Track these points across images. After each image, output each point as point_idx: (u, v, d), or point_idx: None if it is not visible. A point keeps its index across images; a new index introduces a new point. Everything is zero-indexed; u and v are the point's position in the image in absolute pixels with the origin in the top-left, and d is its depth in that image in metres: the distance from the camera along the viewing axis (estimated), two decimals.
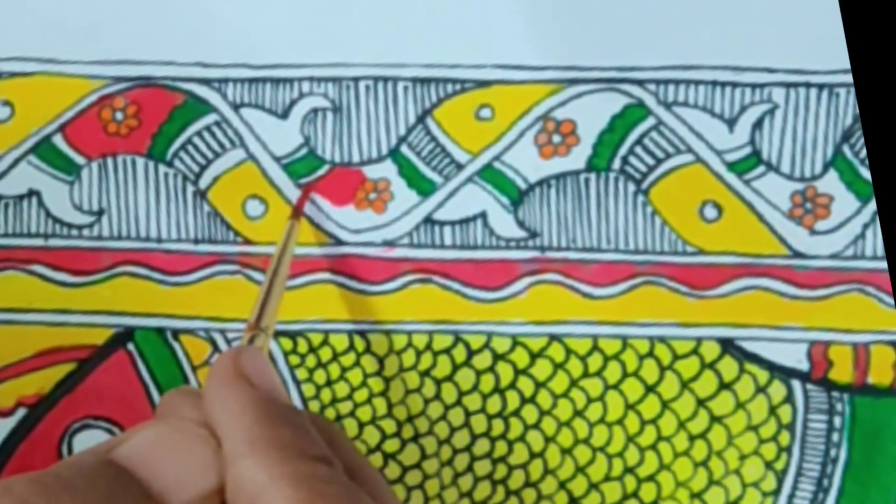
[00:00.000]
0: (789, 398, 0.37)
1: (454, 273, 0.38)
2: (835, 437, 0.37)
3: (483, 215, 0.38)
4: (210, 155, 0.38)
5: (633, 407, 0.37)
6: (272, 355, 0.38)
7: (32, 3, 0.39)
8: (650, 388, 0.37)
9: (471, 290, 0.37)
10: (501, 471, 0.37)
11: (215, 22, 0.38)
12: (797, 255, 0.37)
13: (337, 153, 0.38)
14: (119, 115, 0.38)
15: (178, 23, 0.38)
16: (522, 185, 0.38)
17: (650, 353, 0.37)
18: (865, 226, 0.37)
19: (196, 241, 0.38)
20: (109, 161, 0.38)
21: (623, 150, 0.37)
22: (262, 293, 0.34)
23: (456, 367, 0.38)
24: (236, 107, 0.38)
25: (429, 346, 0.38)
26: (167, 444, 0.27)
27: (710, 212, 0.37)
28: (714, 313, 0.37)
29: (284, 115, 0.38)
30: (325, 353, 0.38)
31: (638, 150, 0.37)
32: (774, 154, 0.37)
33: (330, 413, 0.38)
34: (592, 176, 0.37)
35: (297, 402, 0.38)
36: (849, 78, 0.37)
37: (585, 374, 0.37)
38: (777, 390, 0.37)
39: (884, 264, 0.37)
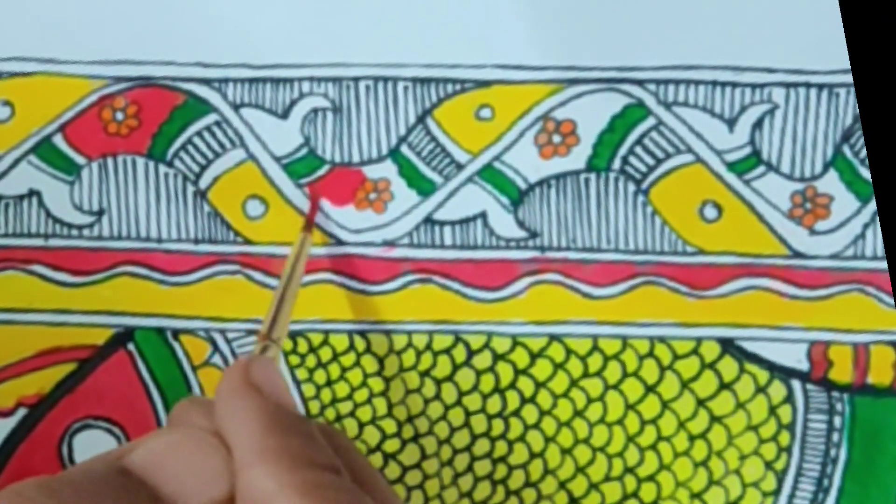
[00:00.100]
0: (789, 398, 0.37)
1: (454, 273, 0.38)
2: (835, 437, 0.37)
3: (483, 215, 0.38)
4: (210, 155, 0.38)
5: (633, 407, 0.37)
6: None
7: (32, 3, 0.39)
8: (650, 388, 0.37)
9: (471, 290, 0.37)
10: (501, 471, 0.37)
11: (215, 22, 0.38)
12: (797, 255, 0.37)
13: (337, 153, 0.38)
14: (119, 115, 0.38)
15: (178, 23, 0.38)
16: (522, 185, 0.38)
17: (650, 353, 0.37)
18: (865, 226, 0.37)
19: (196, 241, 0.38)
20: (109, 161, 0.38)
21: (623, 150, 0.37)
22: (274, 304, 0.34)
23: (456, 367, 0.38)
24: (236, 107, 0.38)
25: (429, 346, 0.38)
26: (178, 451, 0.28)
27: (710, 212, 0.37)
28: (714, 313, 0.37)
29: (284, 115, 0.38)
30: (325, 353, 0.38)
31: (638, 150, 0.37)
32: (774, 154, 0.37)
33: (330, 413, 0.38)
34: (592, 176, 0.37)
35: (297, 402, 0.38)
36: (849, 78, 0.37)
37: (585, 374, 0.37)
38: (777, 390, 0.37)
39: (884, 264, 0.37)
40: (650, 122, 0.37)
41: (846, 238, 0.37)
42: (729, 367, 0.37)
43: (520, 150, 0.38)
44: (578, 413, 0.37)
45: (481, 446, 0.37)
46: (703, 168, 0.37)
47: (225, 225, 0.38)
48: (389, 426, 0.38)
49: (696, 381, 0.37)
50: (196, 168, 0.38)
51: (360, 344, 0.38)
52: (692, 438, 0.37)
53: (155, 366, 0.38)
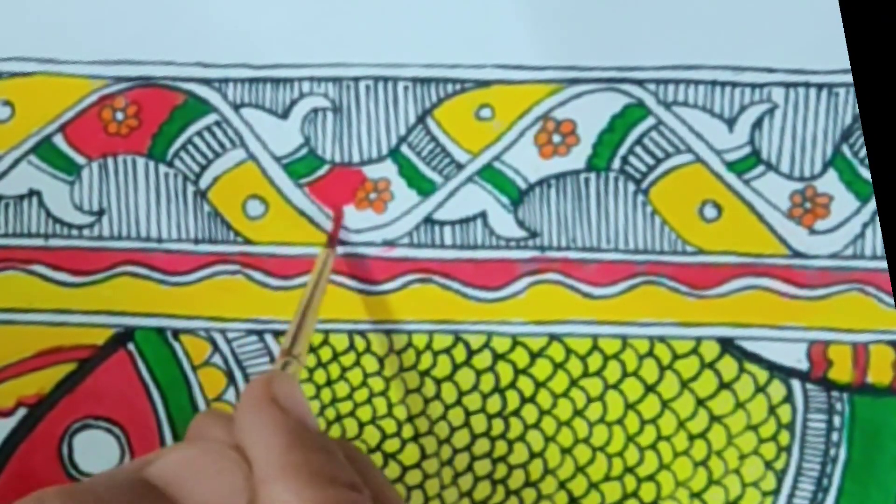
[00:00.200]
0: (789, 398, 0.37)
1: (454, 273, 0.38)
2: (834, 436, 0.37)
3: (483, 215, 0.38)
4: (210, 155, 0.38)
5: (632, 406, 0.37)
6: (272, 355, 0.38)
7: (32, 3, 0.39)
8: (650, 388, 0.37)
9: (471, 290, 0.37)
10: (501, 470, 0.37)
11: (215, 22, 0.38)
12: (797, 254, 0.37)
13: (337, 153, 0.38)
14: (119, 115, 0.38)
15: (178, 23, 0.38)
16: (522, 185, 0.38)
17: (650, 353, 0.37)
18: (865, 225, 0.37)
19: (196, 241, 0.38)
20: (110, 161, 0.38)
21: (623, 150, 0.37)
22: (296, 320, 0.34)
23: (456, 367, 0.38)
24: (236, 107, 0.38)
25: (429, 346, 0.38)
26: (199, 465, 0.28)
27: (710, 211, 0.37)
28: (714, 313, 0.37)
29: (284, 115, 0.38)
30: (325, 353, 0.38)
31: (638, 149, 0.37)
32: (774, 154, 0.37)
33: (330, 413, 0.38)
34: (592, 176, 0.37)
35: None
36: (849, 78, 0.37)
37: (585, 374, 0.37)
38: (777, 390, 0.37)
39: (883, 264, 0.37)
40: (650, 121, 0.37)
41: (846, 238, 0.37)
42: (729, 366, 0.37)
43: (520, 149, 0.38)
44: (578, 413, 0.37)
45: (481, 446, 0.37)
46: (702, 168, 0.37)
47: (225, 225, 0.38)
48: (389, 426, 0.38)
49: (695, 380, 0.37)
50: (196, 168, 0.38)
51: (360, 344, 0.38)
52: (692, 438, 0.37)
53: (155, 366, 0.38)
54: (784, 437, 0.37)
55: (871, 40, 0.37)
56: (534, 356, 0.37)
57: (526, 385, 0.37)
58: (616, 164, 0.37)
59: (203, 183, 0.38)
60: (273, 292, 0.38)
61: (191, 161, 0.38)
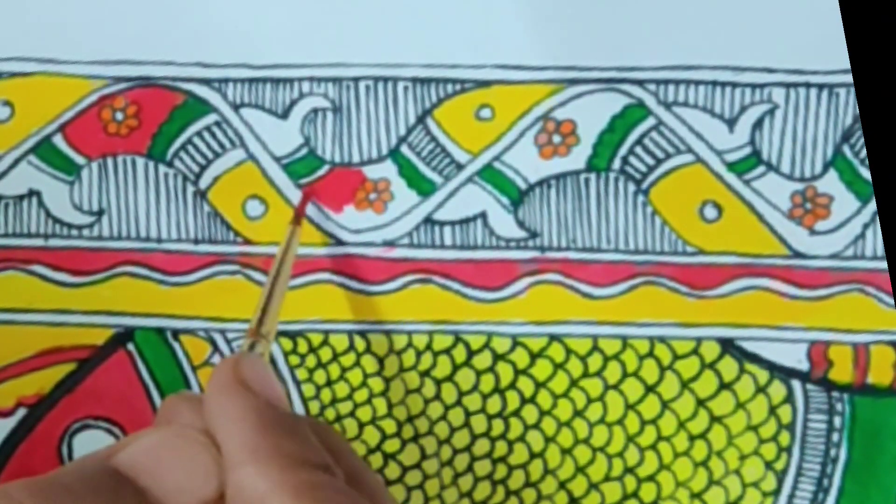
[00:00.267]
0: (789, 398, 0.37)
1: (454, 273, 0.38)
2: (835, 436, 0.37)
3: (483, 215, 0.38)
4: (210, 155, 0.38)
5: (633, 407, 0.37)
6: (272, 357, 0.38)
7: (32, 3, 0.39)
8: (650, 388, 0.37)
9: (471, 290, 0.37)
10: (501, 471, 0.37)
11: (215, 22, 0.38)
12: (797, 255, 0.37)
13: (337, 153, 0.38)
14: (119, 115, 0.38)
15: (178, 23, 0.38)
16: (522, 185, 0.38)
17: (650, 353, 0.37)
18: (865, 226, 0.37)
19: (196, 241, 0.38)
20: (109, 161, 0.38)
21: (623, 150, 0.37)
22: (263, 299, 0.33)
23: (456, 368, 0.38)
24: (236, 107, 0.38)
25: (429, 347, 0.38)
26: (168, 450, 0.27)
27: (710, 212, 0.37)
28: (714, 313, 0.37)
29: (284, 115, 0.38)
30: (325, 353, 0.38)
31: (638, 150, 0.37)
32: (774, 154, 0.37)
33: (330, 413, 0.38)
34: (592, 176, 0.37)
35: (296, 401, 0.38)
36: (849, 78, 0.37)
37: (585, 375, 0.37)
38: (777, 390, 0.37)
39: (884, 264, 0.37)
40: (650, 122, 0.37)
41: (846, 238, 0.37)
42: (729, 367, 0.37)
43: (520, 150, 0.38)
44: (578, 413, 0.37)
45: (481, 446, 0.37)
46: (703, 168, 0.37)
47: (225, 225, 0.38)
48: (389, 426, 0.38)
49: (696, 381, 0.37)
50: (196, 168, 0.38)
51: (360, 344, 0.38)
52: (692, 438, 0.37)
53: (155, 366, 0.38)
54: (784, 438, 0.37)
55: (871, 40, 0.37)
56: (534, 356, 0.37)
57: (526, 385, 0.37)
58: (616, 164, 0.37)
59: (203, 183, 0.38)
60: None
61: (190, 161, 0.38)
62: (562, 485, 0.37)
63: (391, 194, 0.38)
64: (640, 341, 0.37)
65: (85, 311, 0.38)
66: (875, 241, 0.37)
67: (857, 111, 0.37)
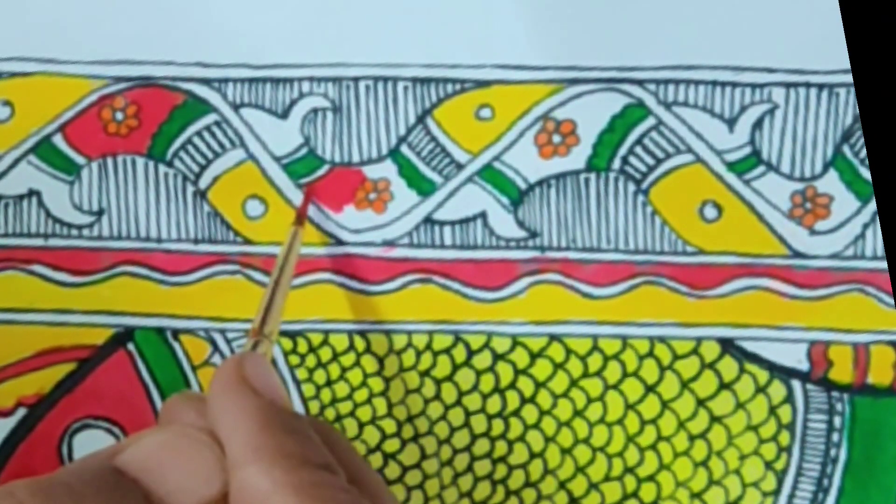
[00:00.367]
0: (789, 398, 0.37)
1: (454, 273, 0.38)
2: (835, 436, 0.37)
3: (483, 215, 0.38)
4: (210, 155, 0.38)
5: (633, 407, 0.37)
6: (272, 357, 0.38)
7: (32, 3, 0.39)
8: (650, 388, 0.37)
9: (471, 290, 0.37)
10: (501, 471, 0.37)
11: (215, 22, 0.38)
12: (797, 255, 0.37)
13: (337, 153, 0.38)
14: (119, 115, 0.38)
15: (178, 23, 0.38)
16: (522, 185, 0.38)
17: (650, 353, 0.37)
18: (865, 226, 0.37)
19: (196, 241, 0.38)
20: (109, 161, 0.38)
21: (623, 150, 0.37)
22: (266, 299, 0.34)
23: (456, 367, 0.38)
24: (236, 107, 0.38)
25: (429, 346, 0.38)
26: (171, 450, 0.27)
27: (710, 212, 0.37)
28: (714, 313, 0.37)
29: (284, 115, 0.38)
30: (325, 353, 0.38)
31: (638, 150, 0.37)
32: (774, 154, 0.37)
33: (330, 413, 0.38)
34: (592, 176, 0.37)
35: (297, 402, 0.38)
36: (849, 78, 0.37)
37: (585, 374, 0.37)
38: (777, 390, 0.37)
39: (884, 264, 0.37)
40: (650, 122, 0.37)
41: (846, 238, 0.37)
42: (729, 367, 0.37)
43: (520, 150, 0.38)
44: (578, 413, 0.37)
45: (481, 446, 0.37)
46: (703, 168, 0.37)
47: (225, 225, 0.38)
48: (389, 426, 0.38)
49: (696, 381, 0.37)
50: (196, 168, 0.38)
51: (360, 344, 0.38)
52: (692, 438, 0.37)
53: (155, 366, 0.38)
54: (784, 438, 0.37)
55: (871, 40, 0.37)
56: (534, 356, 0.37)
57: (526, 385, 0.37)
58: (616, 164, 0.37)
59: (203, 183, 0.38)
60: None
61: (190, 161, 0.38)
62: (562, 485, 0.37)
63: (391, 194, 0.38)
64: (640, 341, 0.37)
65: (85, 310, 0.38)
66: (875, 241, 0.37)
67: (857, 111, 0.37)
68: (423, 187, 0.38)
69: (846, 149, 0.37)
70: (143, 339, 0.38)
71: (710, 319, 0.37)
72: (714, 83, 0.37)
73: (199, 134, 0.38)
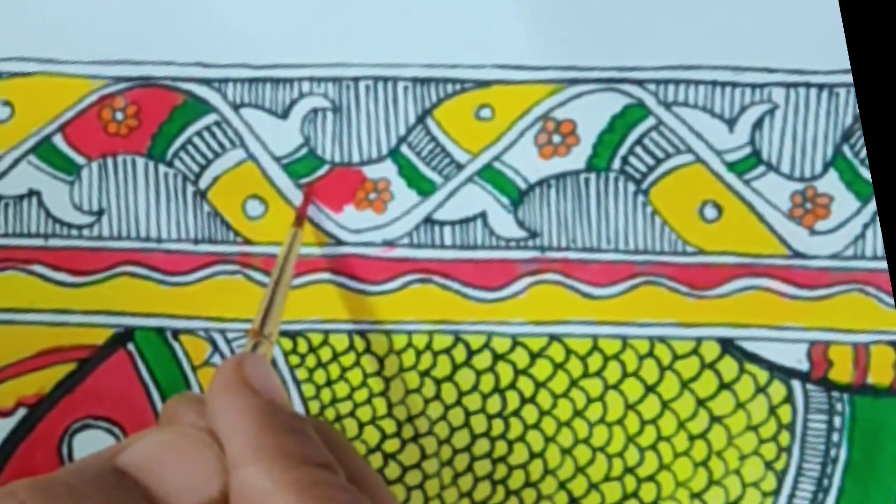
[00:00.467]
0: (789, 398, 0.37)
1: (454, 273, 0.38)
2: (835, 436, 0.37)
3: (483, 215, 0.38)
4: (210, 155, 0.38)
5: (633, 407, 0.37)
6: (272, 357, 0.38)
7: (32, 3, 0.39)
8: (650, 388, 0.37)
9: (471, 290, 0.37)
10: (501, 471, 0.37)
11: (215, 22, 0.38)
12: (797, 255, 0.37)
13: (337, 153, 0.38)
14: (119, 115, 0.38)
15: (178, 23, 0.38)
16: (522, 185, 0.38)
17: (650, 353, 0.37)
18: (865, 226, 0.37)
19: (196, 241, 0.38)
20: (109, 161, 0.38)
21: (623, 150, 0.37)
22: (266, 300, 0.34)
23: (456, 367, 0.38)
24: (236, 107, 0.38)
25: (429, 346, 0.38)
26: (171, 450, 0.27)
27: (710, 212, 0.37)
28: (714, 313, 0.37)
29: (284, 115, 0.38)
30: (325, 353, 0.38)
31: (638, 150, 0.37)
32: (774, 154, 0.37)
33: (330, 413, 0.38)
34: (592, 176, 0.37)
35: (297, 402, 0.38)
36: (849, 78, 0.37)
37: (585, 374, 0.37)
38: (777, 390, 0.37)
39: (884, 264, 0.37)
40: (650, 122, 0.37)
41: (846, 238, 0.37)
42: (729, 367, 0.37)
43: (520, 150, 0.38)
44: (578, 413, 0.37)
45: (481, 446, 0.37)
46: (703, 168, 0.37)
47: (225, 225, 0.38)
48: (389, 426, 0.38)
49: (696, 381, 0.37)
50: (196, 168, 0.38)
51: (360, 344, 0.38)
52: (692, 438, 0.37)
53: (155, 366, 0.38)
54: (784, 438, 0.37)
55: (871, 40, 0.37)
56: (534, 356, 0.37)
57: (526, 385, 0.37)
58: (616, 164, 0.37)
59: (203, 183, 0.38)
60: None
61: (190, 161, 0.38)
62: (562, 485, 0.37)
63: (391, 194, 0.38)
64: (640, 341, 0.37)
65: (85, 311, 0.38)
66: (875, 241, 0.37)
67: (857, 111, 0.37)
68: (423, 187, 0.38)
69: (846, 149, 0.37)
70: (143, 340, 0.38)
71: (710, 319, 0.37)
72: (714, 83, 0.37)
73: (199, 134, 0.38)
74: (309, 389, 0.38)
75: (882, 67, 0.38)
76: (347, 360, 0.38)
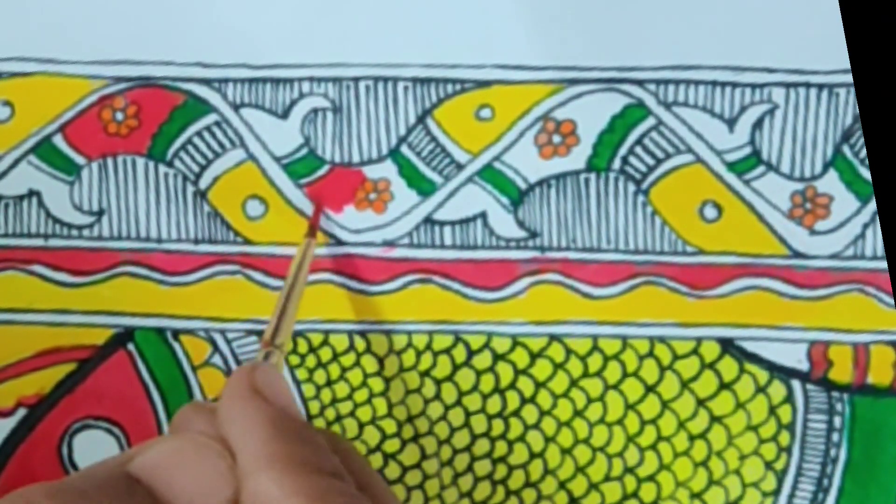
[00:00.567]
0: (789, 398, 0.37)
1: (454, 273, 0.38)
2: (835, 436, 0.37)
3: (483, 215, 0.38)
4: (210, 155, 0.38)
5: (633, 407, 0.37)
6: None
7: (32, 3, 0.39)
8: (650, 388, 0.37)
9: (471, 290, 0.37)
10: (501, 471, 0.37)
11: (215, 22, 0.38)
12: (797, 255, 0.37)
13: (337, 153, 0.38)
14: (119, 115, 0.38)
15: (178, 23, 0.38)
16: (522, 185, 0.38)
17: (650, 353, 0.37)
18: (865, 226, 0.37)
19: (196, 241, 0.38)
20: (109, 161, 0.38)
21: (623, 150, 0.37)
22: (278, 310, 0.34)
23: (456, 367, 0.38)
24: (236, 107, 0.38)
25: (429, 347, 0.38)
26: (182, 457, 0.28)
27: (710, 212, 0.37)
28: (714, 313, 0.37)
29: (284, 115, 0.38)
30: (325, 353, 0.38)
31: (638, 150, 0.37)
32: (774, 154, 0.37)
33: (330, 413, 0.38)
34: (592, 176, 0.37)
35: (297, 402, 0.38)
36: (849, 78, 0.37)
37: (585, 374, 0.37)
38: (777, 390, 0.37)
39: (884, 264, 0.37)
40: (650, 122, 0.37)
41: (846, 238, 0.37)
42: (729, 367, 0.37)
43: (520, 150, 0.38)
44: (578, 413, 0.37)
45: (481, 446, 0.37)
46: (703, 168, 0.37)
47: (225, 225, 0.38)
48: (389, 426, 0.38)
49: (696, 381, 0.37)
50: (196, 168, 0.38)
51: (360, 344, 0.38)
52: (692, 438, 0.37)
53: (155, 366, 0.38)
54: (784, 438, 0.37)
55: (871, 40, 0.37)
56: (534, 356, 0.37)
57: (526, 385, 0.37)
58: (616, 164, 0.37)
59: (203, 183, 0.38)
60: (273, 292, 0.38)
61: (190, 161, 0.38)
62: (562, 485, 0.37)
63: (391, 194, 0.38)
64: (640, 341, 0.37)
65: (85, 311, 0.38)
66: (875, 241, 0.37)
67: (857, 111, 0.37)
68: (424, 187, 0.38)
69: (846, 149, 0.37)
70: (144, 340, 0.38)
71: (710, 319, 0.37)
72: (714, 83, 0.37)
73: (199, 134, 0.38)
74: (309, 389, 0.38)
75: (882, 67, 0.38)
76: (347, 360, 0.38)
